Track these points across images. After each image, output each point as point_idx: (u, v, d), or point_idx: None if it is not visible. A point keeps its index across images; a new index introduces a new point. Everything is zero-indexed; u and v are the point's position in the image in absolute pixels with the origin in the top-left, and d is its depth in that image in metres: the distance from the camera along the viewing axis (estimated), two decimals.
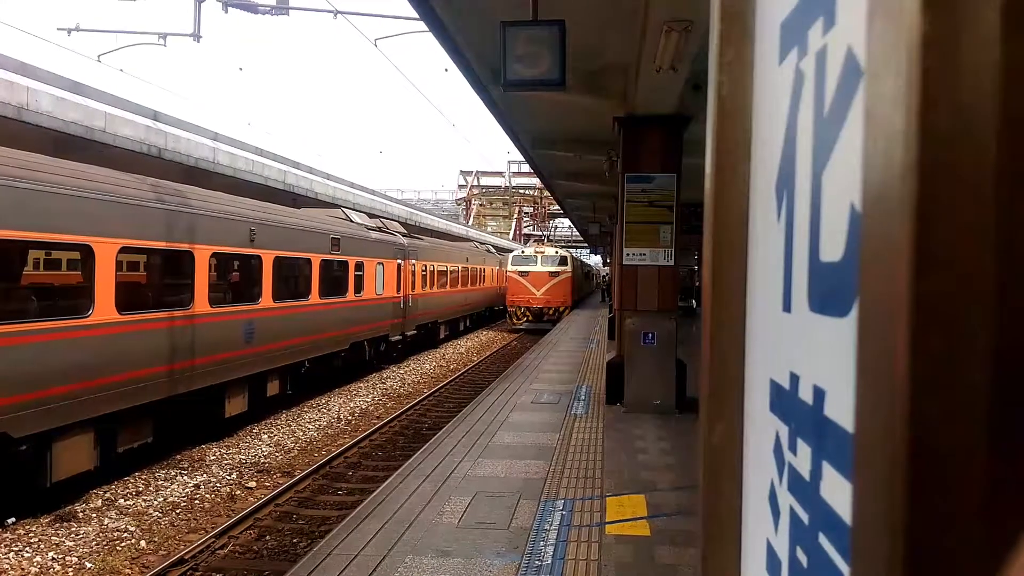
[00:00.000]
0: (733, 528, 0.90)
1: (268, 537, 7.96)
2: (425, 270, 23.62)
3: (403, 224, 28.17)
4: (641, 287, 9.96)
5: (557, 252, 34.40)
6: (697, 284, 28.57)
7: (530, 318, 32.55)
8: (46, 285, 10.92)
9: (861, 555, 0.48)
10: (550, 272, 32.69)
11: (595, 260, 70.83)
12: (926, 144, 0.40)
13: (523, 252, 35.21)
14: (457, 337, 29.57)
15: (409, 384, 18.31)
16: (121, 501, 8.85)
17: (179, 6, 18.62)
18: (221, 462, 10.69)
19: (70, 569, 7.04)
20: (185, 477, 9.88)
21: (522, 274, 32.81)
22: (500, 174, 72.62)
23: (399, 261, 20.82)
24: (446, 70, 23.26)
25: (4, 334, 7.44)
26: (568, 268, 33.32)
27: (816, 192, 0.63)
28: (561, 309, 32.80)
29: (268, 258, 12.91)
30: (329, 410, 14.62)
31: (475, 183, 74.15)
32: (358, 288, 17.35)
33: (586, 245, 56.87)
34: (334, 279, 16.04)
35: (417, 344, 23.54)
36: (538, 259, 33.34)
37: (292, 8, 13.47)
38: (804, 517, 0.64)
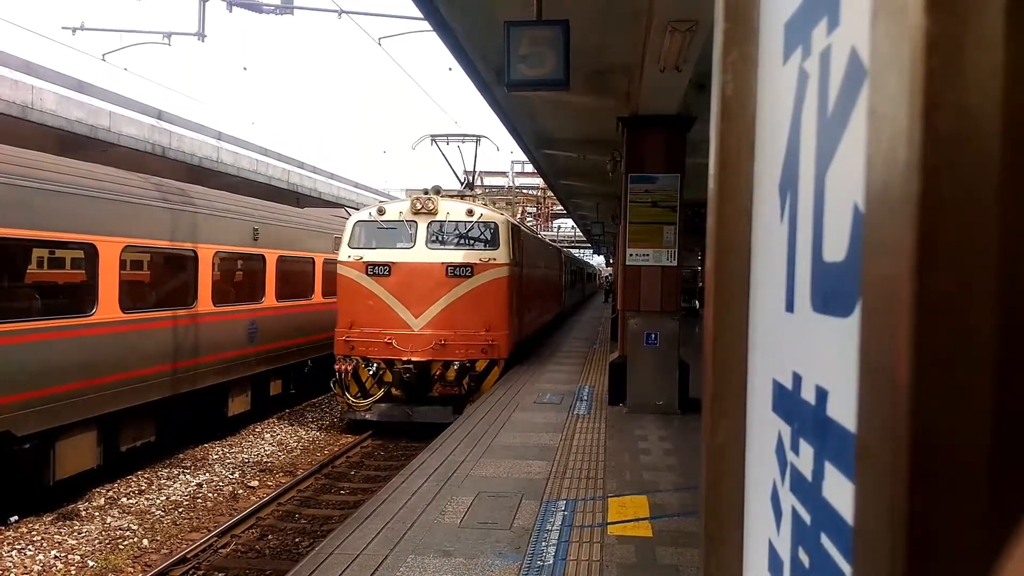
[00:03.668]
0: (735, 528, 0.90)
1: (270, 536, 7.97)
2: None
3: None
4: (644, 287, 9.94)
5: (474, 211, 13.12)
6: (700, 284, 28.44)
7: (395, 392, 12.47)
8: (50, 284, 10.95)
9: (863, 555, 0.48)
10: (450, 266, 12.65)
11: (598, 260, 70.77)
12: (929, 144, 0.40)
13: (379, 211, 13.21)
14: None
15: None
16: (124, 500, 8.87)
17: (184, 5, 18.65)
18: (223, 461, 10.71)
19: (72, 567, 7.06)
20: (188, 476, 9.90)
21: (374, 271, 12.65)
22: (503, 174, 72.44)
23: None
24: (450, 69, 23.15)
25: (8, 332, 7.46)
26: (502, 256, 12.92)
27: (819, 192, 0.63)
28: (480, 366, 12.70)
29: (271, 257, 12.92)
30: (332, 409, 14.63)
31: (478, 183, 73.97)
32: None
33: (589, 245, 56.64)
34: None
35: None
36: (417, 229, 12.85)
37: (296, 7, 13.48)
38: (806, 517, 0.64)
